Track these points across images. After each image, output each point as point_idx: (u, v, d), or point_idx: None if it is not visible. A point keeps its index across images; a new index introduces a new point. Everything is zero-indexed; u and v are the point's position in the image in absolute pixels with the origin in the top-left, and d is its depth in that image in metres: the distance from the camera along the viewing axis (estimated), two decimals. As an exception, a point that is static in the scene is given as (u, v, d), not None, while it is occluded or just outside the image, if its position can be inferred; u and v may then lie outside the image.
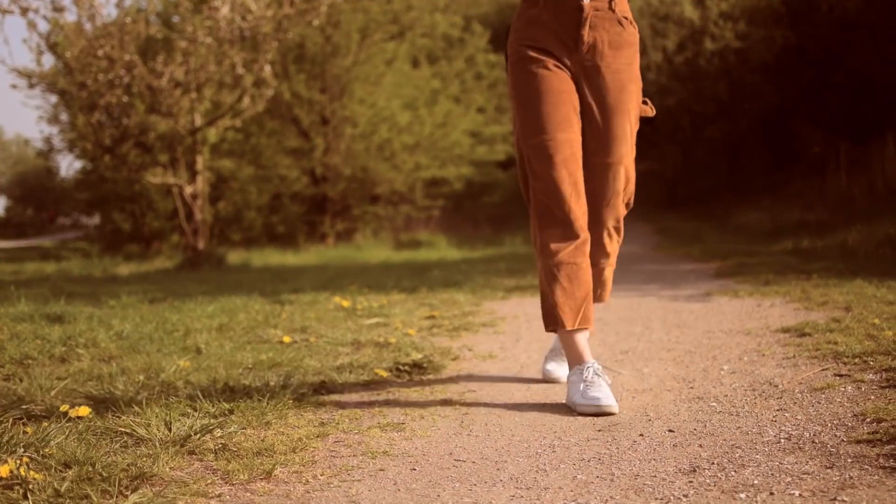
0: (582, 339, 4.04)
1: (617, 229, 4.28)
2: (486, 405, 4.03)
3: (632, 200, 4.27)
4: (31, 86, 17.68)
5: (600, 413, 3.75)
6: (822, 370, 4.22)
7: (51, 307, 6.93)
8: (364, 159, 22.07)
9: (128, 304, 7.65)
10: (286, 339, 5.75)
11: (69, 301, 7.66)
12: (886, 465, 2.82)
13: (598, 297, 4.47)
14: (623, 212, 4.25)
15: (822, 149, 18.11)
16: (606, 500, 2.69)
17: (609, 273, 4.46)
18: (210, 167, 18.66)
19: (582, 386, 3.87)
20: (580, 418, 3.72)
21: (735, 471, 2.88)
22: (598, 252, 4.26)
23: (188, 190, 16.24)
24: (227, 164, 21.04)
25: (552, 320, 4.08)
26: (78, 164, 27.14)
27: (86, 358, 5.13)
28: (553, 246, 3.98)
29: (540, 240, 4.03)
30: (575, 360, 4.01)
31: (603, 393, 3.80)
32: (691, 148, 24.30)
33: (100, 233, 25.08)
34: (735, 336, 5.44)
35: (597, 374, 3.91)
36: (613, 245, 4.30)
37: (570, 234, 3.98)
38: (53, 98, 22.86)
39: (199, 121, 16.19)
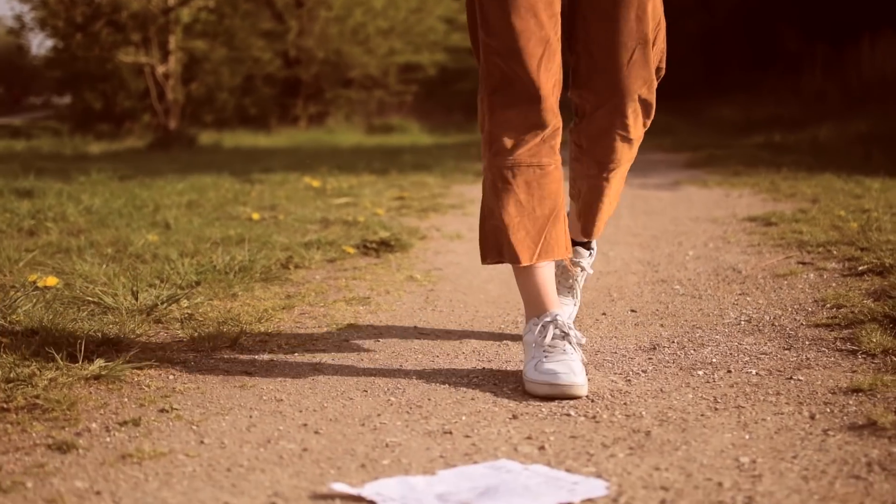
0: (545, 276, 2.78)
1: (646, 104, 2.88)
2: (451, 283, 4.08)
3: (664, 63, 3.07)
4: (2, -41, 17.39)
5: (556, 395, 2.52)
6: (786, 258, 4.27)
7: (20, 182, 6.93)
8: (338, 43, 21.87)
9: (97, 180, 7.62)
10: (255, 216, 5.76)
11: (38, 177, 7.63)
12: (843, 347, 2.88)
13: (587, 224, 3.10)
14: (654, 76, 2.93)
15: (799, 47, 18.01)
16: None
17: (618, 183, 3.01)
18: (182, 47, 18.47)
19: (538, 353, 2.63)
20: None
21: (694, 349, 2.93)
22: (610, 144, 2.87)
23: (160, 69, 16.12)
24: (199, 44, 20.76)
25: (495, 248, 2.75)
26: (49, 43, 26.78)
27: (54, 231, 5.14)
28: (507, 139, 2.68)
29: (489, 126, 2.71)
30: (533, 308, 2.77)
31: (565, 365, 2.55)
32: (667, 41, 24.15)
33: (71, 112, 24.75)
34: (702, 223, 5.48)
35: (562, 331, 2.66)
36: (638, 129, 2.87)
37: (534, 118, 2.66)
38: (24, -27, 22.43)
39: (172, 0, 15.99)
